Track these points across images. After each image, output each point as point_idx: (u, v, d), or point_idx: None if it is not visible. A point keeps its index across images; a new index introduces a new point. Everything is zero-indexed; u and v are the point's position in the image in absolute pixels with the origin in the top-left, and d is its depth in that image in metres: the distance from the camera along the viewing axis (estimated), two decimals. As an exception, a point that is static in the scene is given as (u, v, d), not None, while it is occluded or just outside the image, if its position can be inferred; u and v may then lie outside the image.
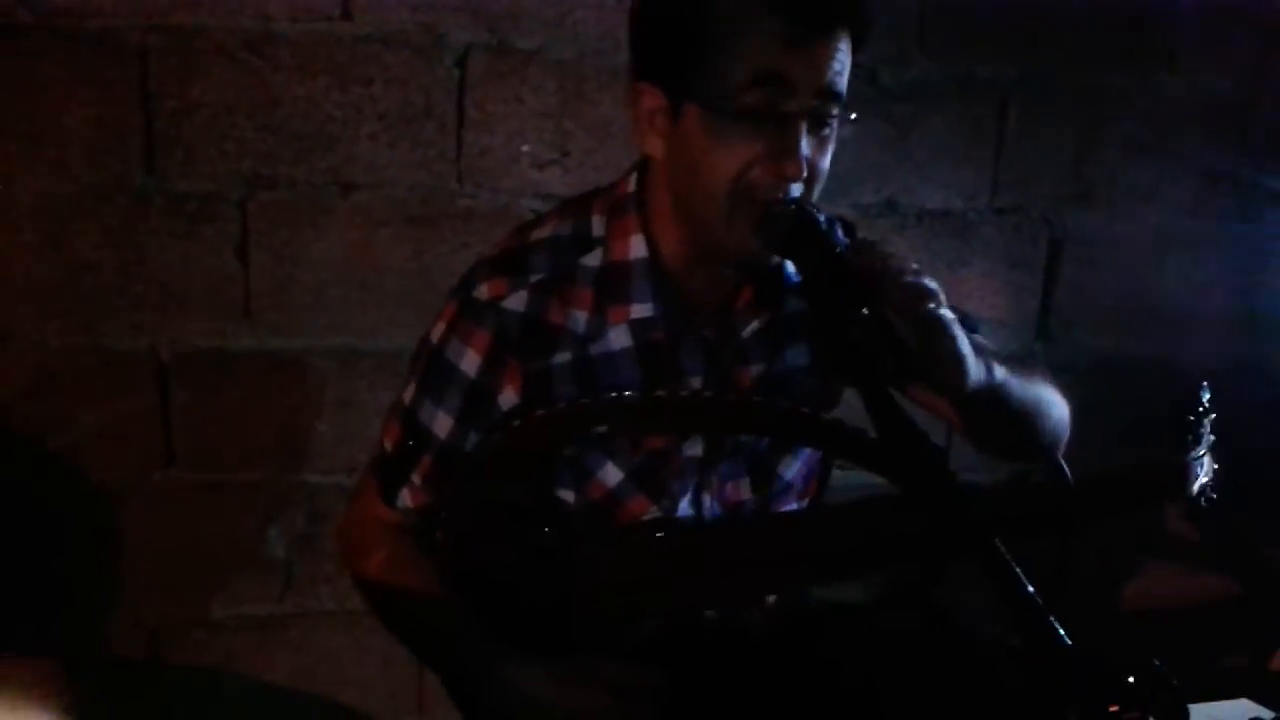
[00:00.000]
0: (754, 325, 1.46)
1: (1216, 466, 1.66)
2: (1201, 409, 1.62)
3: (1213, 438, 1.64)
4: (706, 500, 1.49)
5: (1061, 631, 0.89)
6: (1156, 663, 0.86)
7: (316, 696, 2.35)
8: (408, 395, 1.46)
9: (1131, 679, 0.85)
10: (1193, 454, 1.60)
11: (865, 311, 1.14)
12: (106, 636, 2.20)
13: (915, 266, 1.19)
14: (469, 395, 1.41)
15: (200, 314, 2.11)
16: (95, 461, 2.12)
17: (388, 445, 1.48)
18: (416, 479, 1.45)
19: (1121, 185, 2.53)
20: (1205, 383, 1.63)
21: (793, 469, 1.54)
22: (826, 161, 1.32)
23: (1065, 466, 1.45)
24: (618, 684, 1.36)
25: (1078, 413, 2.53)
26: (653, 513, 1.46)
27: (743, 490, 1.51)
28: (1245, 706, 1.45)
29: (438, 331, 1.43)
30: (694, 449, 1.46)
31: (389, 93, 2.08)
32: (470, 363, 1.40)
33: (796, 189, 1.28)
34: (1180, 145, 2.53)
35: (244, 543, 2.25)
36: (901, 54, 2.33)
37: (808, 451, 1.54)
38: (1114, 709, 0.83)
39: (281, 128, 2.06)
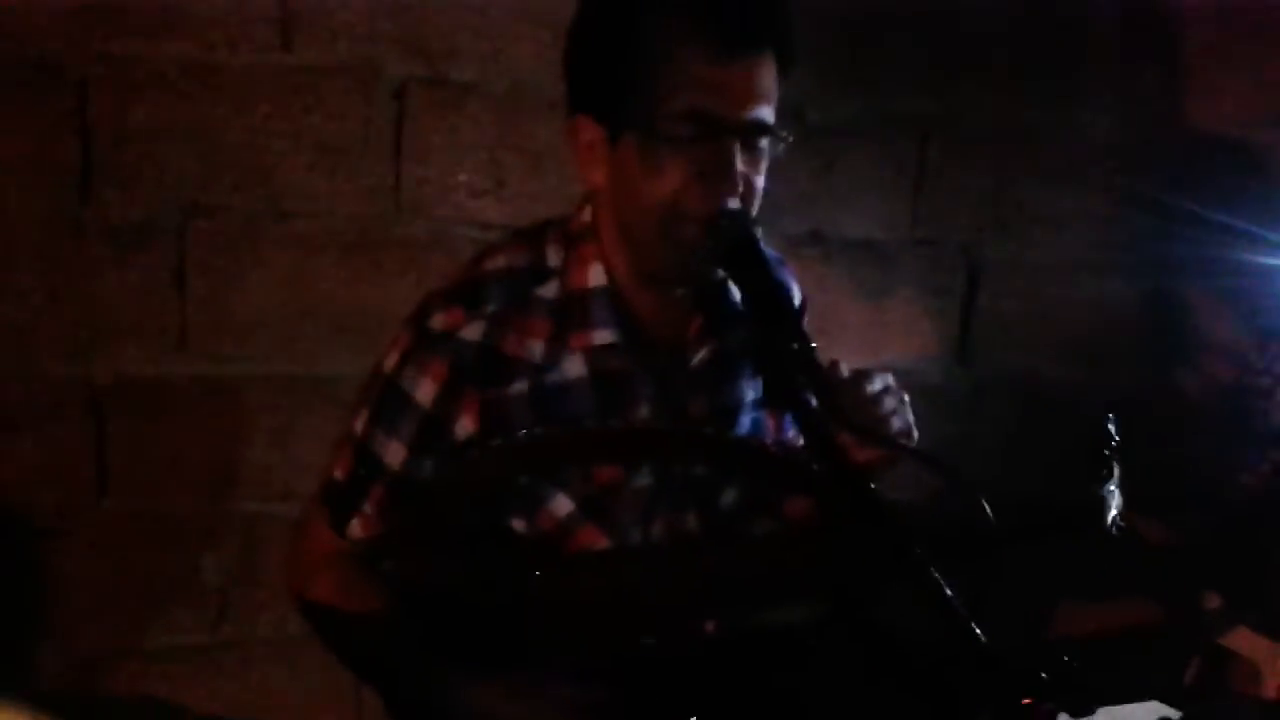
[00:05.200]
0: (702, 354, 1.47)
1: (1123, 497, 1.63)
2: (1113, 442, 1.61)
3: (1120, 469, 1.62)
4: (656, 531, 1.48)
5: (978, 632, 0.94)
6: (1066, 658, 0.92)
7: (252, 726, 2.34)
8: (359, 424, 1.44)
9: (1043, 674, 0.90)
10: (1107, 487, 1.59)
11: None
12: (38, 668, 2.16)
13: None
14: (423, 425, 1.40)
15: (135, 342, 2.10)
16: (28, 491, 2.09)
17: (338, 474, 1.46)
18: (368, 508, 1.44)
19: (1036, 215, 2.62)
20: (1111, 415, 1.62)
21: (730, 499, 1.54)
22: (761, 180, 1.35)
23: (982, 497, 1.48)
24: (568, 699, 1.35)
25: (996, 432, 2.60)
26: (603, 543, 1.45)
27: (689, 521, 1.50)
28: (1154, 708, 1.50)
29: (391, 361, 1.42)
30: (643, 480, 1.46)
31: (327, 123, 2.11)
32: (425, 392, 1.39)
33: (734, 203, 1.30)
34: (1090, 175, 2.62)
35: (179, 572, 2.22)
36: (826, 90, 2.40)
37: (744, 482, 1.54)
38: (1026, 701, 0.88)
39: (219, 157, 2.06)
